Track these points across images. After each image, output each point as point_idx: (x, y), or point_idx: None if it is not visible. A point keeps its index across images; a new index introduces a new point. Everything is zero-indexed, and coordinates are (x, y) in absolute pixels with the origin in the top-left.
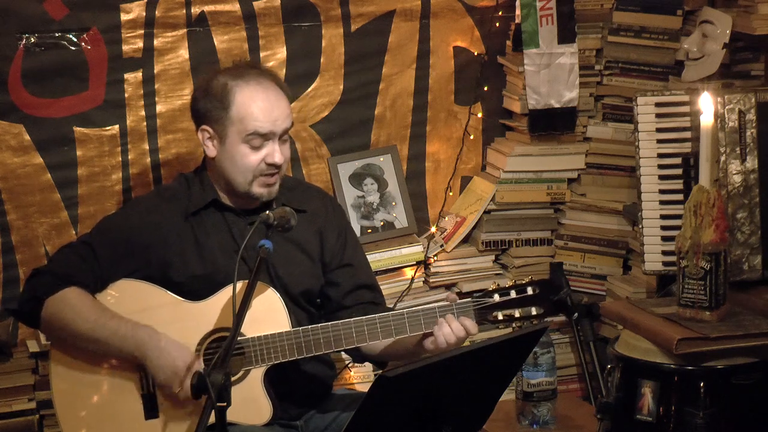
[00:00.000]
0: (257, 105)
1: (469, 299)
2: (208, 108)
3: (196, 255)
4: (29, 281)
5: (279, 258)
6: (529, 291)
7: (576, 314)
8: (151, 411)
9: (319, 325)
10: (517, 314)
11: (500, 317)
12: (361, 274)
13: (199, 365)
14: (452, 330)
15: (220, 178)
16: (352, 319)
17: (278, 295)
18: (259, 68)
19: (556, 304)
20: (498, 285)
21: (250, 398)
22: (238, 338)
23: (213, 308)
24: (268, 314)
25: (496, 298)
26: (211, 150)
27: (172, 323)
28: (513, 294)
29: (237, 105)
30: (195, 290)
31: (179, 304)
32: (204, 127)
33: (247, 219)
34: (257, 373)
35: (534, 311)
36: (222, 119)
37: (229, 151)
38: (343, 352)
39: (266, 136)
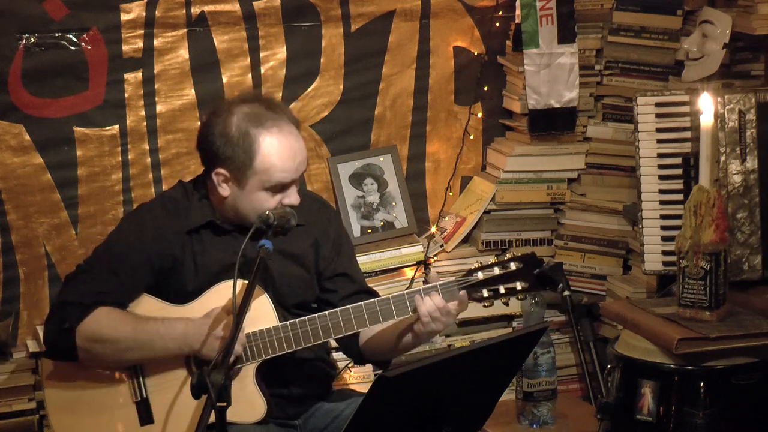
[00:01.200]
0: (282, 156)
1: (453, 278)
2: (228, 155)
3: (193, 270)
4: (50, 320)
5: (276, 271)
6: (512, 266)
7: (560, 285)
8: (146, 417)
9: (307, 317)
10: (502, 290)
11: (485, 294)
12: (356, 282)
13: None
14: (435, 304)
15: (228, 209)
16: (338, 309)
17: (266, 293)
18: (274, 110)
19: (539, 277)
20: (481, 263)
21: (242, 396)
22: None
23: (200, 310)
24: (256, 312)
25: (480, 275)
26: (225, 190)
27: None
28: (496, 270)
29: (261, 156)
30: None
31: (165, 309)
32: (220, 170)
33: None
34: (248, 370)
35: (519, 286)
36: (243, 168)
37: (247, 196)
38: (344, 353)
39: (288, 185)
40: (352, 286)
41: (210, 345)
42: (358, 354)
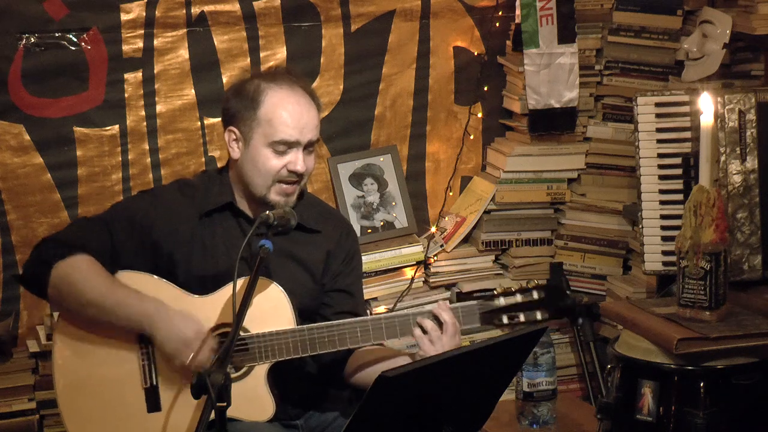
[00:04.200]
0: (287, 110)
1: (475, 302)
2: (238, 108)
3: (201, 255)
4: (37, 248)
5: (283, 275)
6: (535, 296)
7: (580, 320)
8: (153, 404)
9: (324, 324)
10: (522, 318)
11: (505, 321)
12: (356, 304)
13: (211, 340)
14: (450, 319)
15: (240, 180)
16: (356, 319)
17: (284, 292)
18: (295, 76)
19: (560, 309)
20: (503, 288)
21: (253, 395)
22: (243, 334)
23: (216, 303)
24: (274, 311)
25: (502, 301)
26: (236, 152)
27: None
28: (518, 298)
29: (266, 106)
30: (194, 289)
31: (184, 298)
32: (231, 128)
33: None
34: (261, 370)
35: (539, 316)
36: (249, 120)
37: (251, 154)
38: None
39: (292, 144)
40: (347, 305)
41: (171, 337)
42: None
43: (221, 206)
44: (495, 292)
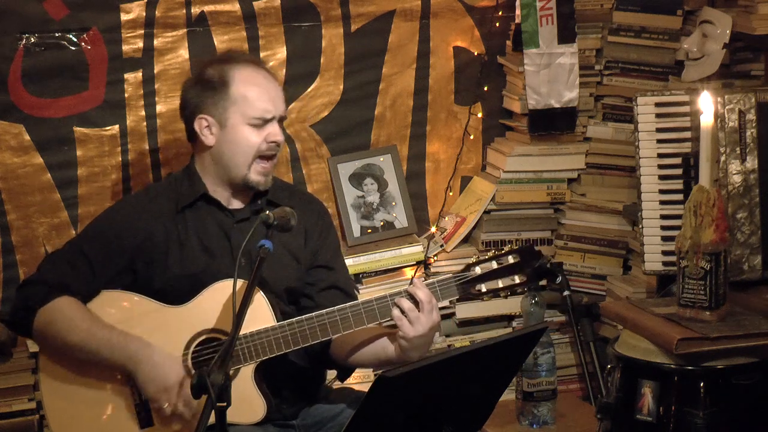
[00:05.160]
0: (258, 85)
1: (450, 275)
2: (204, 96)
3: (179, 254)
4: (20, 291)
5: (267, 261)
6: (510, 260)
7: (559, 278)
8: (145, 420)
9: (304, 316)
10: (500, 284)
11: (483, 289)
12: (338, 278)
13: (188, 382)
14: (424, 295)
15: (215, 167)
16: (335, 307)
17: (261, 292)
18: (246, 55)
19: (537, 270)
20: (479, 257)
21: (242, 397)
22: (224, 339)
23: (196, 311)
24: (253, 312)
25: (478, 270)
26: (210, 138)
27: (156, 330)
28: (494, 264)
29: (236, 85)
30: (177, 292)
31: (161, 310)
32: (201, 116)
33: (235, 218)
34: (247, 371)
35: (517, 279)
36: (220, 102)
37: (230, 134)
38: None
39: (268, 119)
40: (329, 280)
41: (153, 380)
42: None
43: (194, 199)
44: (470, 262)
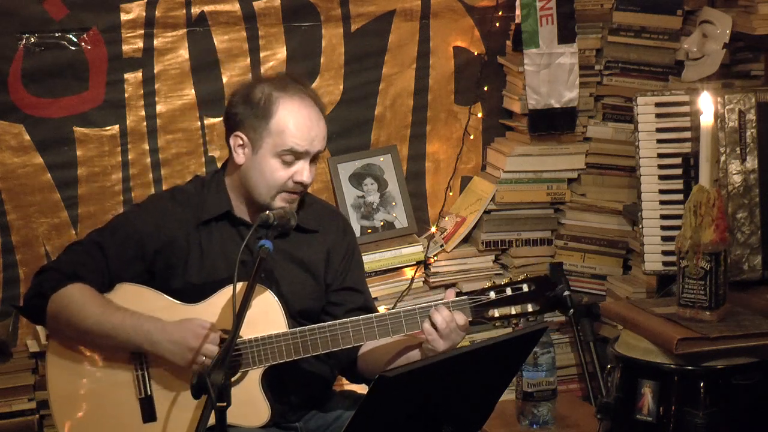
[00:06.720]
0: (298, 121)
1: (465, 297)
2: (247, 115)
3: (199, 264)
4: (36, 278)
5: (283, 277)
6: (525, 288)
7: (571, 311)
8: (149, 414)
9: (316, 325)
10: (513, 311)
11: (496, 315)
12: (367, 298)
13: (213, 334)
14: (443, 318)
15: (241, 186)
16: (348, 319)
17: (275, 297)
18: (302, 84)
19: (551, 300)
20: (494, 283)
21: (247, 400)
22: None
23: (210, 310)
24: (265, 316)
25: (492, 295)
26: (240, 158)
27: None
28: (508, 291)
29: (278, 117)
30: (194, 294)
31: (175, 307)
32: (238, 133)
33: (258, 234)
34: (255, 375)
35: (530, 308)
36: (259, 129)
37: (259, 162)
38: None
39: (300, 155)
40: (358, 302)
41: (172, 351)
42: (355, 371)
43: (218, 215)
44: (485, 286)
